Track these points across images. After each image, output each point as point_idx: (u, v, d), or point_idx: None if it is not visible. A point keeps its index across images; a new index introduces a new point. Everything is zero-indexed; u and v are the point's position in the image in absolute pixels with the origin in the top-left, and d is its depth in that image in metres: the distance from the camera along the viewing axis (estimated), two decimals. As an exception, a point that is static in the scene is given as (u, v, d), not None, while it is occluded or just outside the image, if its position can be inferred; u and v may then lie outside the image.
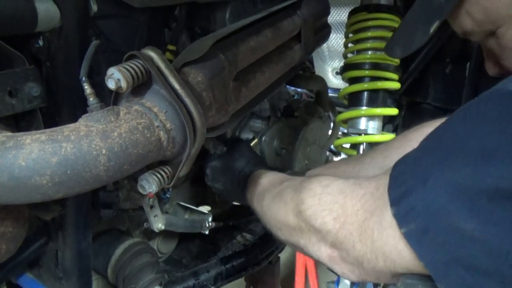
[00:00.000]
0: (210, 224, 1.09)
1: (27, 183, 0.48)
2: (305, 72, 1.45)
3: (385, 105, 1.16)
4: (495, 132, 0.43)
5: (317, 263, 2.44)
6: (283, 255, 1.52)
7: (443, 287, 0.46)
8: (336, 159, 1.73)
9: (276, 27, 0.91)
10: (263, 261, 1.28)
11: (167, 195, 1.02)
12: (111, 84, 0.55)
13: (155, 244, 1.13)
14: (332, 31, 1.25)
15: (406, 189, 0.49)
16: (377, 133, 1.16)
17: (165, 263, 1.18)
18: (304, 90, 1.67)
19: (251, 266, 1.24)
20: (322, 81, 1.43)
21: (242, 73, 0.81)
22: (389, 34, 1.10)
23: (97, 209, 0.87)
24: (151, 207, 0.94)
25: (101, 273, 0.98)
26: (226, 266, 1.17)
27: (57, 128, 0.52)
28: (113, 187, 0.89)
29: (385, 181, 0.53)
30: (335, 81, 2.20)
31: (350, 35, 1.19)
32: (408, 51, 0.78)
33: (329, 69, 2.20)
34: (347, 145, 1.23)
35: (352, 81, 1.17)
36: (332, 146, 1.59)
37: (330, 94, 1.50)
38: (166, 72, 0.60)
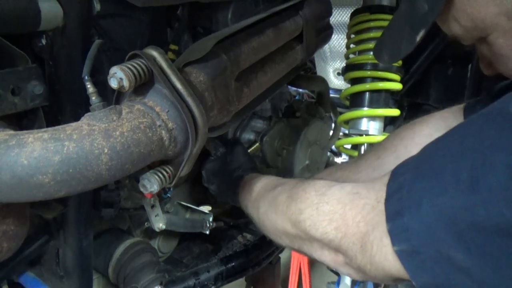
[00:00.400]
0: (211, 224, 1.09)
1: (29, 182, 0.48)
2: (306, 73, 1.45)
3: (386, 106, 1.16)
4: (488, 159, 0.43)
5: (312, 266, 2.45)
6: (284, 256, 1.52)
7: None
8: (337, 159, 1.73)
9: (278, 28, 0.91)
10: (264, 262, 1.28)
11: (168, 194, 1.02)
12: (113, 83, 0.55)
13: (156, 243, 1.13)
14: (334, 32, 1.25)
15: (401, 208, 0.50)
16: (378, 134, 1.16)
17: (166, 262, 1.18)
18: (306, 91, 1.67)
19: (251, 266, 1.24)
20: (323, 82, 1.43)
21: (244, 73, 0.81)
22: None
23: (99, 208, 0.87)
24: (152, 206, 0.95)
25: (102, 272, 0.99)
26: (227, 266, 1.17)
27: (60, 127, 0.52)
28: (115, 186, 0.90)
29: (383, 194, 0.54)
30: (336, 82, 2.20)
31: (352, 36, 1.19)
32: (396, 59, 0.78)
33: (331, 70, 2.20)
34: (348, 146, 1.23)
35: (354, 81, 1.18)
36: (333, 147, 1.59)
37: (331, 95, 1.50)
38: (169, 71, 0.60)
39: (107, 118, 0.54)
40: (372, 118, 1.15)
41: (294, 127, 1.34)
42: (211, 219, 1.09)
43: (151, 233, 1.11)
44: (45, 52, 0.66)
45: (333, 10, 1.18)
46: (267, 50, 0.88)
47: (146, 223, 0.99)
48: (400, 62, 1.16)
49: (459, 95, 1.45)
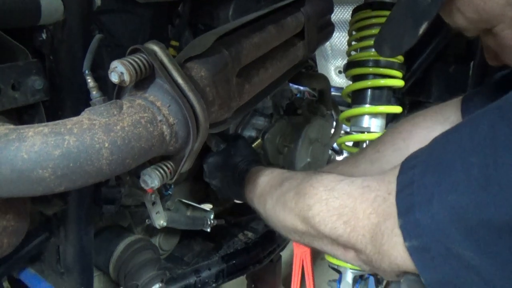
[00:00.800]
0: (212, 221, 1.09)
1: (29, 176, 0.48)
2: (308, 71, 1.44)
3: (388, 103, 1.15)
4: (500, 158, 0.43)
5: (314, 263, 2.44)
6: (285, 254, 1.52)
7: None
8: (338, 157, 1.73)
9: (280, 24, 0.91)
10: (265, 260, 1.28)
11: (169, 192, 1.02)
12: (114, 78, 0.55)
13: (156, 241, 1.13)
14: (335, 29, 1.25)
15: (412, 204, 0.50)
16: (380, 131, 1.15)
17: (167, 260, 1.18)
18: (307, 89, 1.67)
19: (252, 264, 1.23)
20: (325, 79, 1.43)
21: (246, 69, 0.81)
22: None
23: (99, 204, 0.87)
24: (153, 203, 0.94)
25: (103, 269, 0.98)
26: (228, 264, 1.16)
27: (60, 121, 0.51)
28: (116, 183, 0.89)
29: (394, 186, 0.54)
30: (338, 80, 2.20)
31: (354, 32, 1.19)
32: (397, 52, 0.76)
33: (332, 68, 2.20)
34: (350, 143, 1.23)
35: (355, 78, 1.17)
36: (334, 145, 1.59)
37: (332, 93, 1.50)
38: (170, 66, 0.60)
39: (108, 112, 0.53)
40: (374, 115, 1.15)
41: (296, 124, 1.34)
42: (212, 216, 1.09)
43: (152, 230, 1.11)
44: (46, 47, 0.66)
45: (334, 8, 1.17)
46: (269, 46, 0.88)
47: (147, 220, 0.99)
48: (402, 58, 1.16)
49: (461, 93, 1.44)
